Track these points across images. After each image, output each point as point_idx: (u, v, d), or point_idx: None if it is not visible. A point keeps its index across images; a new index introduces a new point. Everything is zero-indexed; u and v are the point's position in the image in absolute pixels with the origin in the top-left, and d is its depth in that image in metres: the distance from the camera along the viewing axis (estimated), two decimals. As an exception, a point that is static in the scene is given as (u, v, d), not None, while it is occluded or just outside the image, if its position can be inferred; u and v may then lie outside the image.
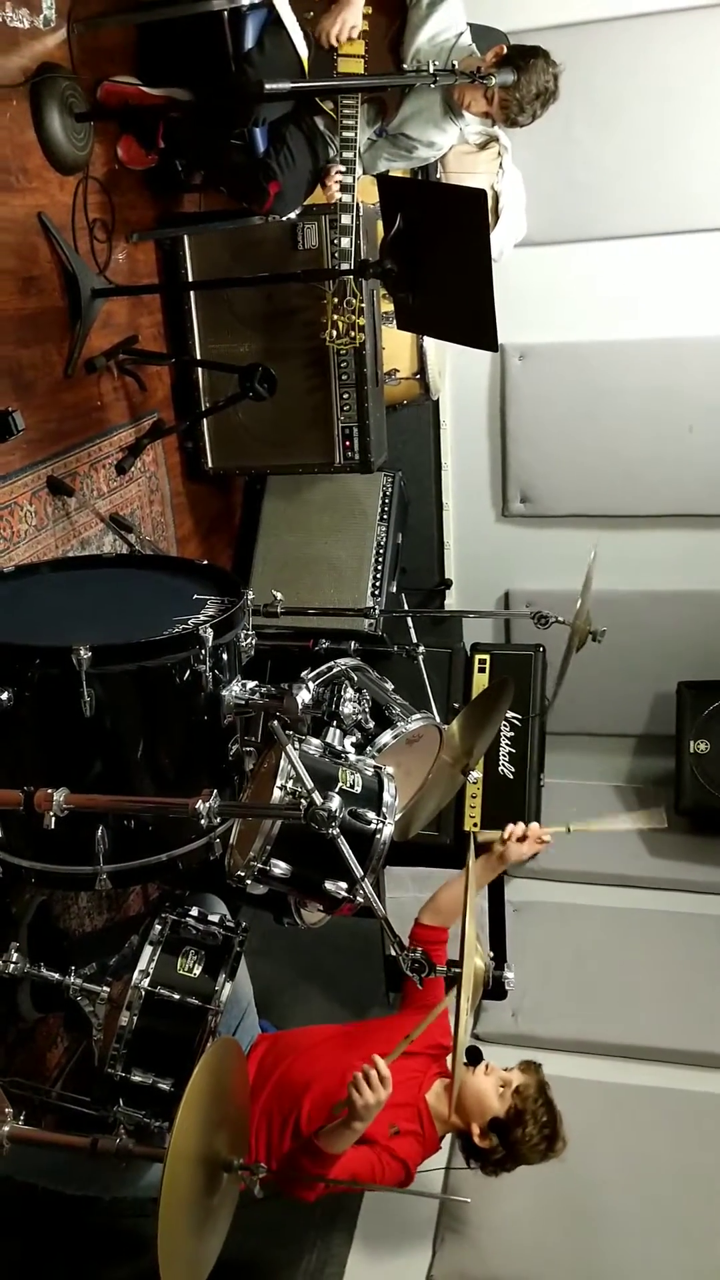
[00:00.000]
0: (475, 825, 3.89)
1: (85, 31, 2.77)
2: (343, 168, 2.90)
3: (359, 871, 1.84)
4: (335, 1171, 2.11)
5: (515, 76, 2.78)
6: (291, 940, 3.12)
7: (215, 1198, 1.65)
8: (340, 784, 1.99)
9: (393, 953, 1.88)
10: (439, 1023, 2.52)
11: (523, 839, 2.57)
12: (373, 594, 3.67)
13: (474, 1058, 2.33)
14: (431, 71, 2.70)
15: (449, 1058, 2.34)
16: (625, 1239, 2.76)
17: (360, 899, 1.91)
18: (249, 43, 2.77)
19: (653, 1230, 2.78)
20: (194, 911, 2.16)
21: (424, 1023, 2.17)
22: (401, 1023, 2.52)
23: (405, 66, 2.93)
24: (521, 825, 2.58)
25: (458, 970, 1.87)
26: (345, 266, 2.88)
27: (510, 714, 3.93)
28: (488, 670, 4.03)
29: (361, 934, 3.36)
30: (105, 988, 2.05)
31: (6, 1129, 1.69)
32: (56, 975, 2.05)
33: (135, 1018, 1.99)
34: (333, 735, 2.32)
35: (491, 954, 3.16)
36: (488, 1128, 2.31)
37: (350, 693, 2.44)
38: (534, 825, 2.60)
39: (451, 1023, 2.05)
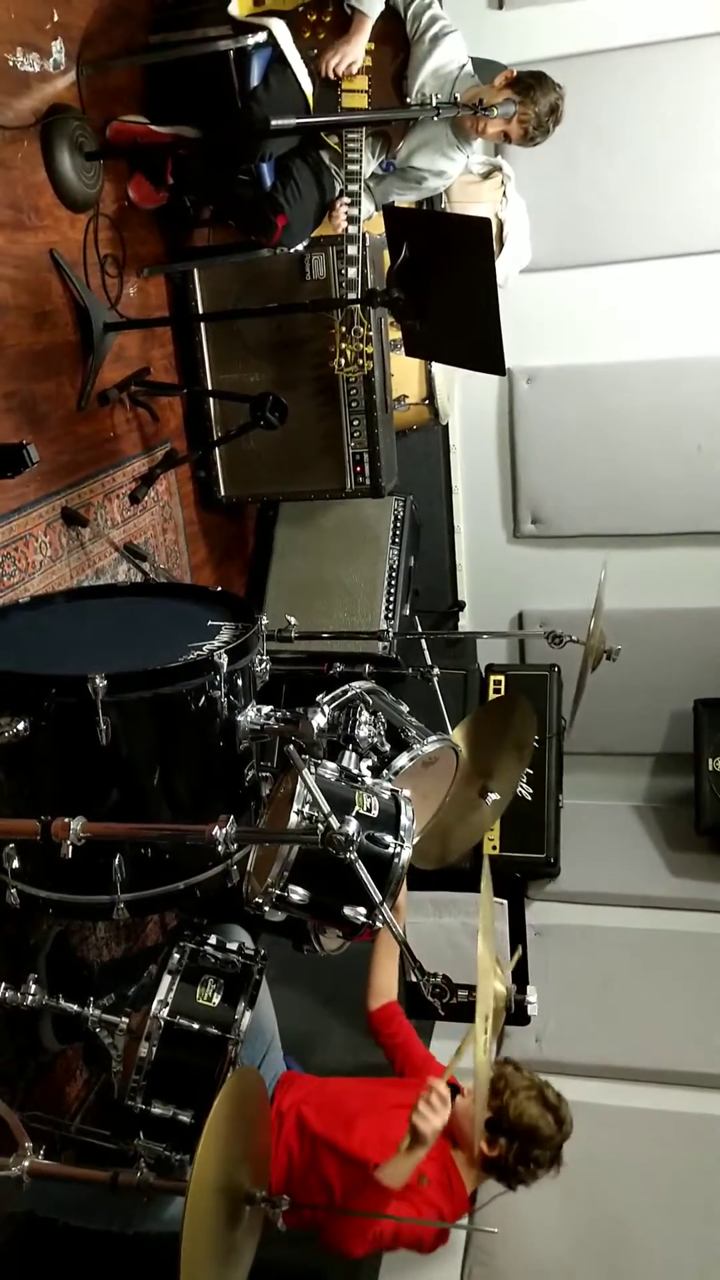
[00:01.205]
0: (494, 848, 3.88)
1: (94, 73, 2.82)
2: (348, 200, 2.94)
3: (377, 896, 1.83)
4: (381, 1225, 2.09)
5: (515, 107, 2.82)
6: (311, 968, 3.10)
7: (238, 1231, 1.64)
8: (357, 808, 1.98)
9: (413, 979, 1.87)
10: (439, 1070, 2.51)
11: None
12: (386, 617, 3.68)
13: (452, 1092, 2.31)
14: (435, 104, 2.73)
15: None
16: (655, 1267, 2.72)
17: (379, 924, 1.90)
18: (254, 80, 2.82)
19: (683, 1259, 2.73)
20: (212, 940, 2.15)
21: (464, 1044, 2.14)
22: (410, 1086, 2.47)
23: (410, 100, 2.97)
24: None
25: (474, 999, 1.86)
26: (353, 296, 2.91)
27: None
28: (503, 691, 4.03)
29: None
30: (124, 1018, 2.04)
31: (26, 1164, 1.68)
32: (75, 1006, 2.04)
33: (155, 1048, 1.97)
34: (349, 759, 2.31)
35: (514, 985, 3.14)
36: (489, 1133, 2.27)
37: (365, 716, 2.43)
38: None
39: (476, 1049, 2.03)
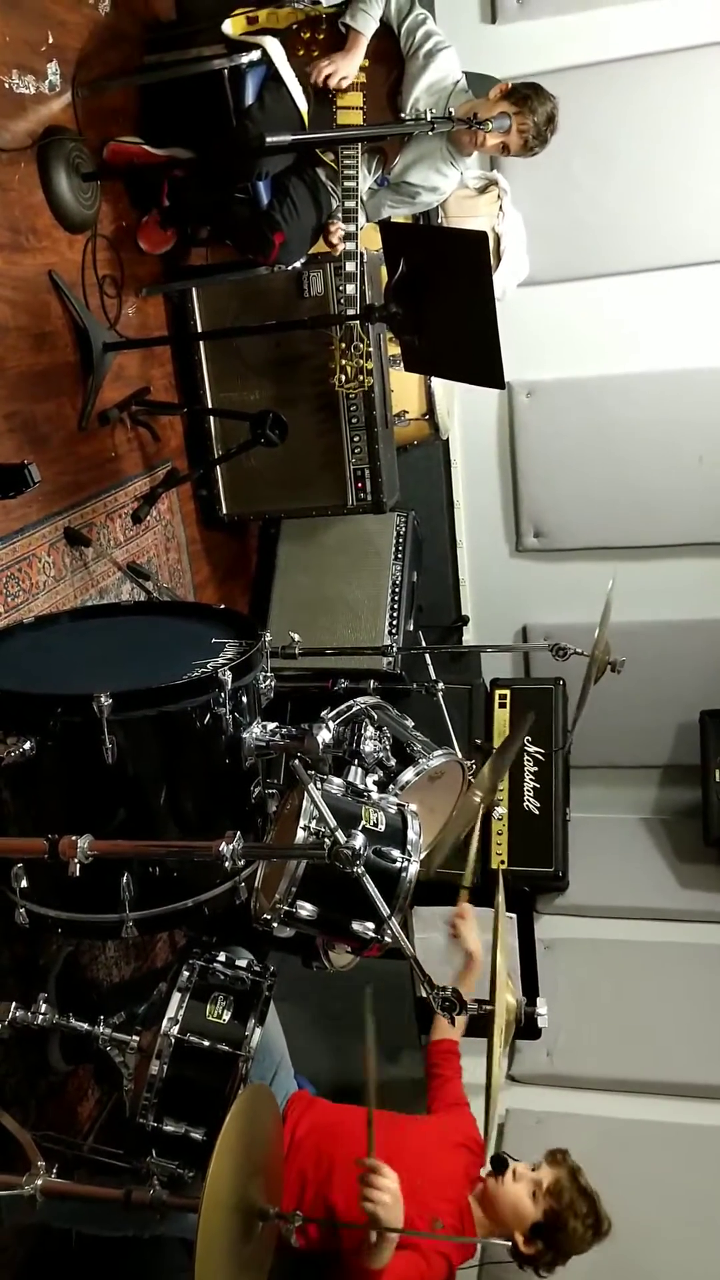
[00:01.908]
0: (502, 862, 3.86)
1: (89, 94, 2.85)
2: (343, 219, 2.95)
3: (385, 910, 1.82)
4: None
5: (510, 120, 2.84)
6: (320, 984, 3.09)
7: (250, 1247, 1.63)
8: (364, 822, 1.98)
9: (423, 993, 1.86)
10: (467, 1115, 2.50)
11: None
12: (390, 632, 3.68)
13: (499, 1166, 2.25)
14: (429, 119, 2.75)
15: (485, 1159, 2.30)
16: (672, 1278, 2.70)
17: (388, 939, 1.89)
18: (249, 99, 2.84)
19: (699, 1272, 2.71)
20: (222, 957, 2.15)
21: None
22: (432, 1124, 2.46)
23: (404, 115, 3.00)
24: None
25: (489, 1008, 1.85)
26: (351, 312, 2.92)
27: (533, 748, 3.92)
28: (508, 705, 4.02)
29: (391, 976, 3.32)
30: (135, 1037, 2.04)
31: (39, 1183, 1.67)
32: (86, 1026, 2.04)
33: (166, 1066, 1.97)
34: (354, 774, 2.31)
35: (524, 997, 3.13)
36: (530, 1234, 2.21)
37: (371, 731, 2.44)
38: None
39: (487, 1063, 2.02)
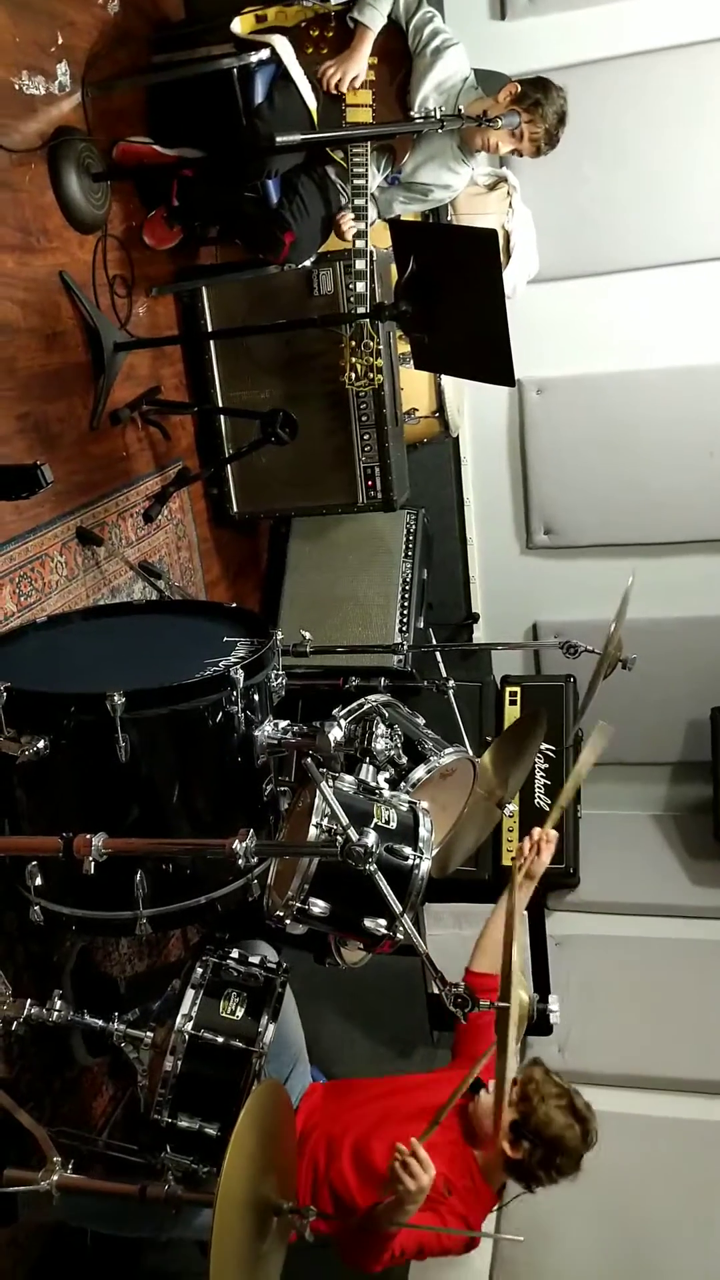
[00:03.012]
0: (513, 859, 3.87)
1: (99, 95, 2.85)
2: (353, 215, 2.96)
3: (397, 907, 1.83)
4: (402, 1240, 2.09)
5: (519, 118, 2.83)
6: (333, 981, 3.10)
7: (265, 1243, 1.64)
8: (375, 820, 1.98)
9: (435, 989, 1.87)
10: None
11: (537, 849, 2.64)
12: (400, 630, 3.69)
13: (475, 1088, 2.28)
14: (439, 117, 2.75)
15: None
16: (682, 1274, 2.70)
17: (400, 935, 1.90)
18: (258, 97, 2.85)
19: (709, 1267, 2.71)
20: (235, 953, 2.16)
21: (454, 1096, 2.12)
22: (451, 1076, 2.47)
23: (413, 113, 2.99)
24: (530, 837, 2.66)
25: (504, 1005, 1.85)
26: (361, 310, 2.93)
27: (544, 746, 3.91)
28: (519, 702, 4.02)
29: (404, 972, 3.34)
30: (149, 1033, 2.05)
31: (55, 1178, 1.69)
32: (100, 1022, 2.05)
33: (180, 1062, 1.98)
34: (366, 772, 2.31)
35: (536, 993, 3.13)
36: (513, 1136, 2.24)
37: (382, 729, 2.44)
38: (535, 830, 2.67)
39: (499, 1059, 2.02)
